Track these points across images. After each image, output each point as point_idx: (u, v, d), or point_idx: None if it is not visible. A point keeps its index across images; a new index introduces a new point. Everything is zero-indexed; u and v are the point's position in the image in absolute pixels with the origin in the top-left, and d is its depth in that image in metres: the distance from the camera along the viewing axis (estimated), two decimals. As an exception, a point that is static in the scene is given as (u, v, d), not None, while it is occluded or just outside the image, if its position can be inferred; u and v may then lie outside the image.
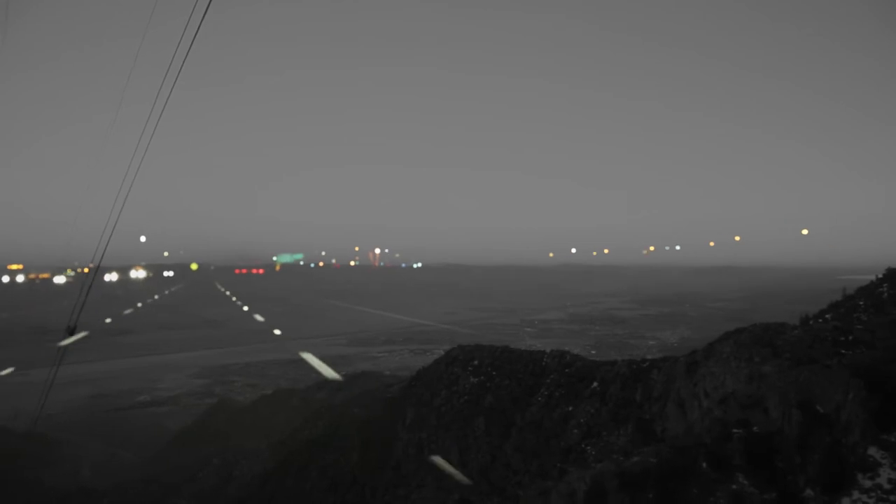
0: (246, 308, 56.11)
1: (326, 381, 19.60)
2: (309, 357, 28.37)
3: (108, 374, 27.51)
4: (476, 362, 10.54)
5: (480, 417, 9.56)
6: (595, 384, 9.15)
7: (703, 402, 7.29)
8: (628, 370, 8.99)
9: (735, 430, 3.10)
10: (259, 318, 51.13)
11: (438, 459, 7.58)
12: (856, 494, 3.30)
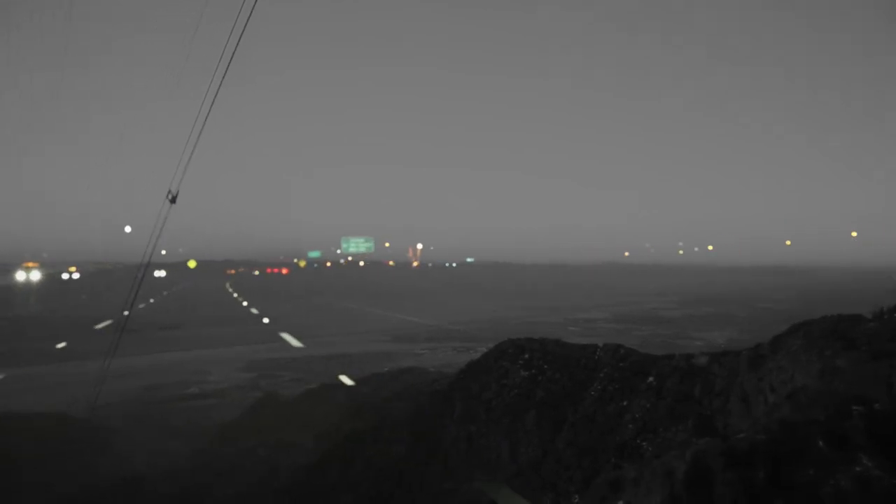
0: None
1: (372, 376, 19.70)
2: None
3: (157, 366, 28.19)
4: (526, 356, 10.36)
5: (531, 411, 9.38)
6: (651, 378, 8.86)
7: (769, 397, 6.98)
8: (686, 364, 8.68)
9: (855, 407, 2.86)
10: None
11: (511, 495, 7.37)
12: None
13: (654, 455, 7.63)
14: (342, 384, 20.40)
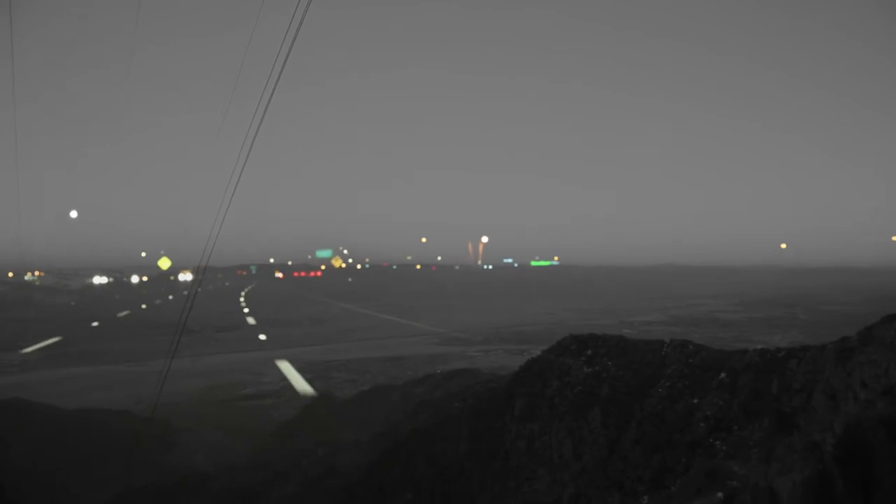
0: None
1: (426, 377, 19.63)
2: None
3: (216, 367, 28.95)
4: (590, 352, 10.08)
5: (596, 408, 9.09)
6: (723, 375, 8.47)
7: (860, 393, 6.52)
8: (761, 360, 8.24)
9: None
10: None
11: None
12: None
13: (728, 455, 7.26)
14: (396, 385, 20.41)
